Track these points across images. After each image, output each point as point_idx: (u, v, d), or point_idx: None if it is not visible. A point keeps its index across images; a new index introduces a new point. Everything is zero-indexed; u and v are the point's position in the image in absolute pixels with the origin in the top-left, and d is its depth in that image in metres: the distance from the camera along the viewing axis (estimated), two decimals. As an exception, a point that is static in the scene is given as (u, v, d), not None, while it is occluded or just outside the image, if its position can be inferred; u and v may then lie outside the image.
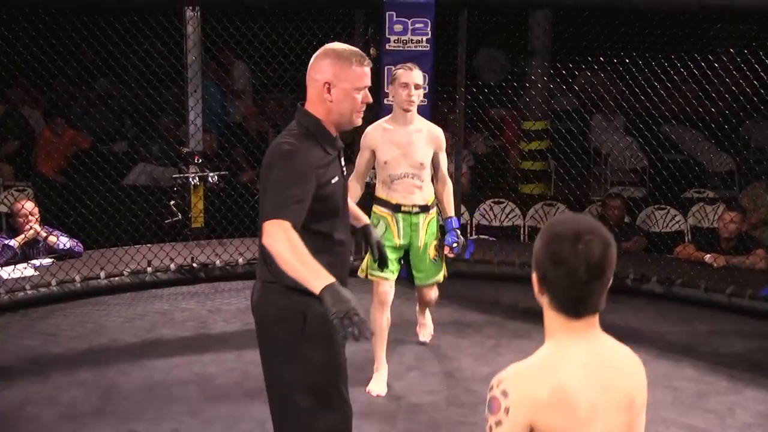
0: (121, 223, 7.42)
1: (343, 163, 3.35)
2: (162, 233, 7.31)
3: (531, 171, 9.39)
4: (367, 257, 5.06)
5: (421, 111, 5.33)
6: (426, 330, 5.85)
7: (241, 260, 6.97)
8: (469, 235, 8.26)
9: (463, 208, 7.64)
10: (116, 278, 6.71)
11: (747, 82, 6.81)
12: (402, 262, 5.25)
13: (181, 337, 5.82)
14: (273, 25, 7.18)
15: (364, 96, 3.21)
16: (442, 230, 5.23)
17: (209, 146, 8.09)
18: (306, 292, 2.97)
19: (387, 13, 6.60)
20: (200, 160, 7.26)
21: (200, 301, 6.51)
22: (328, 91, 3.17)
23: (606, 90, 7.99)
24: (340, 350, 3.32)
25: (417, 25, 6.64)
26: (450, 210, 5.20)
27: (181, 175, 7.28)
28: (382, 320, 5.15)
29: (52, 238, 6.85)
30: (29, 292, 6.41)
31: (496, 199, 8.59)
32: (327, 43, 3.28)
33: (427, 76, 6.61)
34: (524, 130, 9.44)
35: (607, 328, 6.23)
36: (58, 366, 5.43)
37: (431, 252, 5.20)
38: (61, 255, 6.84)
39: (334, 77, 3.16)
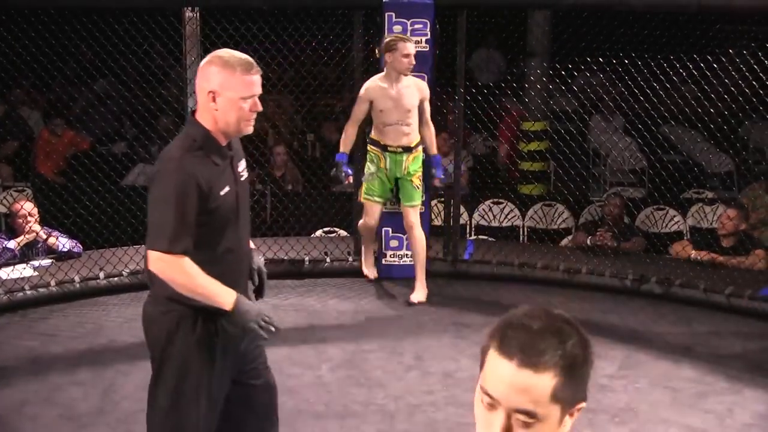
0: (121, 224, 7.42)
1: (240, 168, 3.27)
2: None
3: (530, 171, 9.40)
4: (363, 185, 6.46)
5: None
6: (417, 292, 6.43)
7: (240, 261, 6.96)
8: (468, 235, 8.26)
9: (462, 209, 7.64)
10: (115, 279, 6.71)
11: (746, 82, 6.82)
12: (393, 191, 6.46)
13: (181, 338, 5.81)
14: (272, 26, 7.18)
15: (252, 105, 3.13)
16: (427, 165, 6.47)
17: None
18: (182, 304, 3.12)
19: (386, 14, 6.60)
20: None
21: (199, 301, 6.50)
22: (213, 99, 3.09)
23: (605, 91, 8.00)
24: (208, 370, 3.23)
25: (416, 26, 6.64)
26: (433, 148, 6.42)
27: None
28: (369, 233, 6.65)
29: (51, 239, 6.85)
30: (28, 292, 6.41)
31: (496, 200, 8.60)
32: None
33: (426, 76, 6.65)
34: (523, 130, 9.45)
35: (607, 328, 6.22)
36: (57, 366, 5.42)
37: (414, 181, 6.34)
38: (60, 255, 6.84)
39: (219, 86, 3.09)
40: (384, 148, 6.33)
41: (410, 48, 6.15)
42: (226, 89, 3.09)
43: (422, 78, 6.55)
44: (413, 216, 6.41)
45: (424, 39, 6.64)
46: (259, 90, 3.16)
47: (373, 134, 6.41)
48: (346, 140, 6.37)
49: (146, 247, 3.11)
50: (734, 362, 5.53)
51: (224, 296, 3.10)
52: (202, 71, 3.13)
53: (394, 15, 6.60)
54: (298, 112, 9.66)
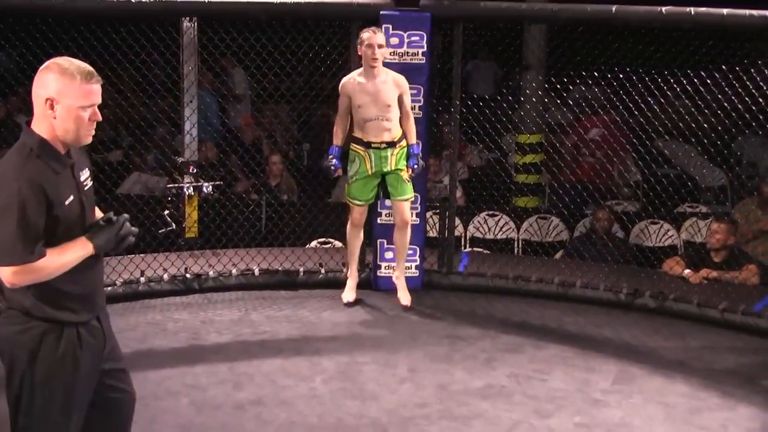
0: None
1: (83, 177, 3.22)
2: (156, 243, 7.30)
3: (525, 184, 9.41)
4: (346, 185, 6.44)
5: (416, 123, 6.43)
6: (403, 292, 6.53)
7: (234, 271, 6.96)
8: (463, 248, 8.27)
9: (457, 221, 7.65)
10: (109, 288, 6.68)
11: (739, 98, 6.85)
12: (379, 189, 6.39)
13: (174, 348, 5.80)
14: (269, 36, 7.19)
15: (92, 114, 3.07)
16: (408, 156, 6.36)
17: (210, 155, 8.09)
18: (43, 319, 3.08)
19: (383, 26, 6.61)
20: (195, 170, 7.26)
21: (193, 311, 6.49)
22: (51, 107, 3.02)
23: (600, 104, 8.02)
24: (73, 385, 3.18)
25: (413, 38, 6.66)
26: (411, 138, 6.33)
27: (176, 185, 7.28)
28: (355, 238, 6.54)
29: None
30: None
31: (491, 212, 8.61)
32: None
33: (422, 88, 6.67)
34: (519, 143, 9.47)
35: (601, 342, 6.22)
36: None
37: (403, 175, 6.31)
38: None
39: (57, 93, 3.02)
40: (368, 144, 6.27)
41: (376, 38, 6.13)
42: (64, 97, 3.03)
43: (418, 91, 6.58)
44: (407, 211, 6.41)
45: (420, 51, 6.66)
46: (98, 99, 3.10)
47: (355, 132, 6.34)
48: (338, 133, 6.37)
49: None
50: (728, 378, 5.53)
51: (82, 250, 3.11)
52: (38, 78, 3.06)
53: (390, 27, 6.62)
54: (295, 121, 9.68)
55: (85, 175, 3.25)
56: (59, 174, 3.08)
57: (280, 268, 7.03)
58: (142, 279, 6.72)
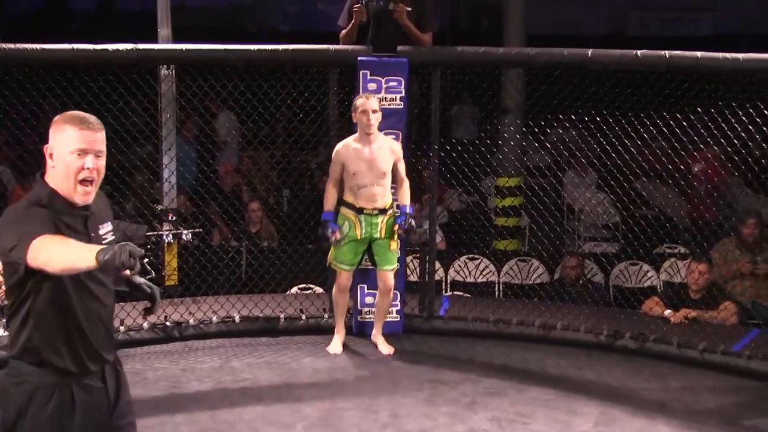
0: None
1: (102, 231, 3.18)
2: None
3: (505, 227, 9.45)
4: (332, 249, 6.35)
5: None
6: (384, 344, 6.54)
7: (215, 318, 6.92)
8: (444, 291, 8.27)
9: (438, 265, 7.65)
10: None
11: (714, 140, 6.92)
12: (365, 253, 6.40)
13: (154, 397, 5.75)
14: (248, 84, 7.23)
15: (83, 162, 3.03)
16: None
17: (183, 206, 8.07)
18: (38, 374, 3.03)
19: (361, 72, 6.67)
20: (174, 218, 7.25)
21: (173, 360, 6.45)
22: (50, 156, 3.07)
23: (578, 147, 8.09)
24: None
25: (391, 84, 6.71)
26: (405, 200, 6.34)
27: (155, 233, 7.26)
28: (341, 299, 6.52)
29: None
30: (1, 353, 6.31)
31: (471, 256, 8.62)
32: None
33: (400, 133, 6.71)
34: (498, 186, 9.52)
35: (583, 384, 6.22)
36: None
37: (391, 244, 6.33)
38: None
39: (52, 141, 3.07)
40: (359, 210, 6.26)
41: (369, 104, 6.14)
42: (57, 144, 3.06)
43: (396, 135, 6.62)
44: (391, 279, 6.43)
45: (398, 96, 6.70)
46: (92, 146, 3.06)
47: (346, 196, 6.33)
48: (329, 199, 6.32)
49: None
50: (709, 418, 5.53)
51: (86, 253, 2.80)
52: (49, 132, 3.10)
53: (368, 73, 6.67)
54: (274, 168, 9.69)
55: (105, 229, 3.21)
56: (69, 226, 3.05)
57: (260, 315, 7.00)
58: (122, 328, 6.66)
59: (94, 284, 3.15)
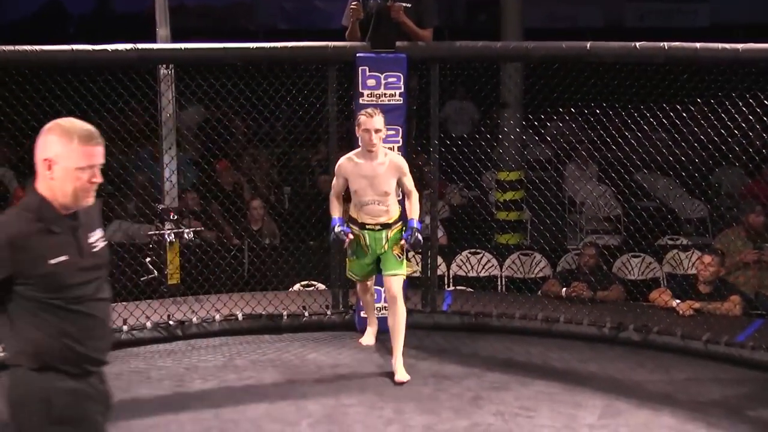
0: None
1: (92, 239, 3.19)
2: (138, 291, 7.26)
3: (506, 221, 9.45)
4: (347, 261, 6.34)
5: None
6: (400, 371, 6.00)
7: (217, 317, 6.93)
8: (446, 286, 8.27)
9: (440, 260, 7.65)
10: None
11: (715, 131, 6.92)
12: (375, 265, 6.24)
13: (158, 396, 5.75)
14: (247, 82, 7.23)
15: (90, 175, 3.07)
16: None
17: (194, 204, 8.09)
18: (52, 374, 3.05)
19: (360, 68, 6.66)
20: (176, 217, 7.25)
21: (177, 358, 6.45)
22: (49, 168, 3.05)
23: (578, 140, 8.08)
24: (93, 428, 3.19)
25: (390, 80, 6.71)
26: (413, 214, 6.14)
27: (157, 232, 7.26)
28: (365, 298, 6.58)
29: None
30: (1, 354, 6.32)
31: (473, 250, 8.62)
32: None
33: (400, 128, 6.70)
34: (499, 180, 9.52)
35: (587, 377, 6.20)
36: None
37: (395, 251, 6.14)
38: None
39: (54, 155, 3.04)
40: (362, 226, 6.13)
41: (372, 124, 5.88)
42: (62, 158, 3.04)
43: (396, 131, 6.61)
44: (396, 286, 6.10)
45: (397, 92, 6.70)
46: (98, 161, 3.09)
47: (351, 212, 6.21)
48: (335, 207, 6.19)
49: None
50: (714, 409, 5.53)
51: None
52: (40, 139, 3.07)
53: (367, 69, 6.67)
54: (274, 165, 9.69)
55: (95, 236, 3.21)
56: (57, 234, 3.06)
57: (263, 312, 7.00)
58: (125, 327, 6.67)
59: (87, 287, 3.17)
